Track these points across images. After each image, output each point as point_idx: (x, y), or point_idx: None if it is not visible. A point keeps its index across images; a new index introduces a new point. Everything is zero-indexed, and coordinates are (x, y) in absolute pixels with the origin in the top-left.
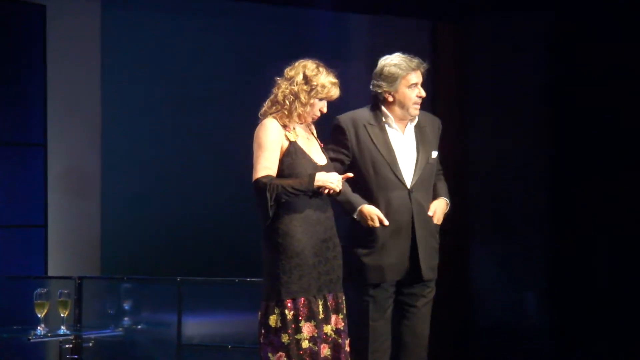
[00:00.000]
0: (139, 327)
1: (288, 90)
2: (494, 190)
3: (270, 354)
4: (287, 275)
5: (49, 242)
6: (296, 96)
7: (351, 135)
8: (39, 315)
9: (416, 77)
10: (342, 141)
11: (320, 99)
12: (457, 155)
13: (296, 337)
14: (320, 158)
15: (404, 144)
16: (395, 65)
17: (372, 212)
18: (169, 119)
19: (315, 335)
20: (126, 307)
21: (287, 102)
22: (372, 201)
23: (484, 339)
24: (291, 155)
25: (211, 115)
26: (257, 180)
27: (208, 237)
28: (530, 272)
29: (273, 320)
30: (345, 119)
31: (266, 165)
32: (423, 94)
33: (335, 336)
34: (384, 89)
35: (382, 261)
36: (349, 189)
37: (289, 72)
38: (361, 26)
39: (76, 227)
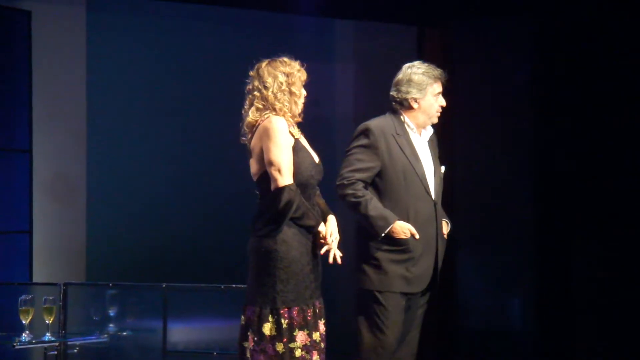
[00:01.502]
0: (125, 333)
1: (277, 91)
2: (480, 195)
3: None
4: (283, 284)
5: (34, 248)
6: (290, 93)
7: (381, 143)
8: (24, 322)
9: (439, 86)
10: (373, 147)
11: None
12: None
13: (290, 345)
14: (315, 155)
15: (426, 155)
16: (423, 72)
17: (405, 227)
18: (154, 124)
19: (308, 343)
20: (111, 314)
21: (285, 101)
22: (401, 210)
23: (469, 344)
24: (297, 153)
25: (197, 121)
26: (287, 188)
27: (194, 243)
28: (515, 277)
29: (268, 328)
30: (375, 126)
31: (291, 168)
32: (444, 103)
33: (321, 341)
34: (413, 96)
35: (410, 272)
36: (380, 204)
37: (261, 81)
38: (347, 31)
39: (61, 233)
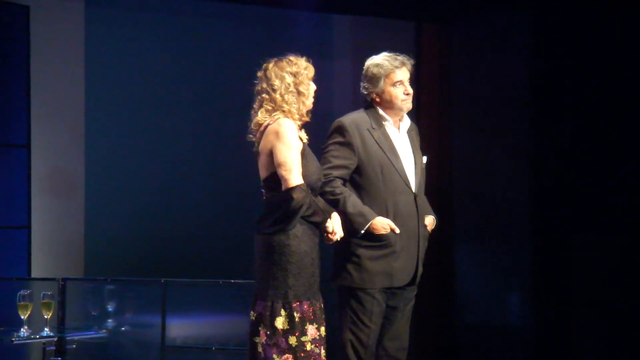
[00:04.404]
0: (123, 328)
1: (285, 93)
2: (478, 191)
3: (275, 356)
4: (295, 278)
5: (32, 244)
6: (298, 94)
7: (356, 139)
8: (22, 317)
9: (401, 74)
10: (348, 144)
11: (310, 82)
12: (441, 157)
13: (302, 339)
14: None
15: (404, 147)
16: (377, 65)
17: (384, 222)
18: (152, 119)
19: (317, 337)
20: (110, 309)
21: (293, 102)
22: (380, 205)
23: (468, 339)
24: (305, 157)
25: (195, 116)
26: (299, 188)
27: (192, 238)
28: (513, 272)
29: (280, 322)
30: (348, 121)
31: (300, 169)
32: (410, 90)
33: (325, 336)
34: (370, 90)
35: (391, 266)
36: (359, 201)
37: (268, 83)
38: (344, 26)
39: (60, 228)
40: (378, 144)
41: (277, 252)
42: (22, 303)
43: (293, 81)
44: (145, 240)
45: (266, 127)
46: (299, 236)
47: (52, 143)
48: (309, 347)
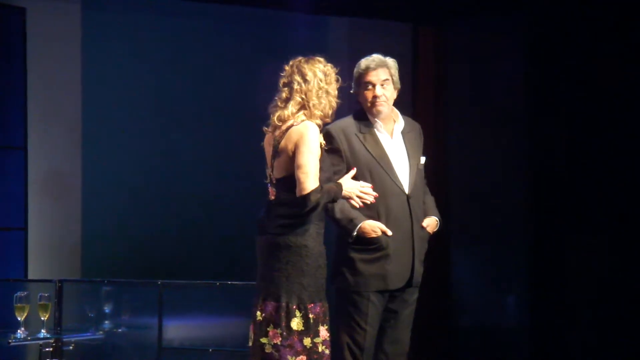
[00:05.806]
0: (120, 330)
1: (318, 89)
2: (474, 193)
3: (289, 357)
4: (310, 278)
5: (29, 245)
6: (327, 92)
7: (344, 144)
8: (19, 319)
9: (374, 75)
10: (336, 151)
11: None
12: (437, 159)
13: (315, 340)
14: None
15: (396, 150)
16: (357, 66)
17: (374, 226)
18: (149, 121)
19: (327, 338)
20: (107, 310)
21: (321, 101)
22: (371, 208)
23: (464, 341)
24: (322, 162)
25: (192, 118)
26: (314, 192)
27: (189, 240)
28: (510, 274)
29: (296, 323)
30: (335, 128)
31: (317, 174)
32: (377, 93)
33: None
34: (355, 91)
35: (385, 269)
36: (347, 206)
37: (301, 74)
38: (341, 29)
39: (57, 230)
40: (366, 147)
41: (293, 252)
42: (19, 305)
43: (324, 79)
44: (142, 242)
45: (289, 127)
46: (314, 237)
47: (49, 145)
48: (320, 348)
